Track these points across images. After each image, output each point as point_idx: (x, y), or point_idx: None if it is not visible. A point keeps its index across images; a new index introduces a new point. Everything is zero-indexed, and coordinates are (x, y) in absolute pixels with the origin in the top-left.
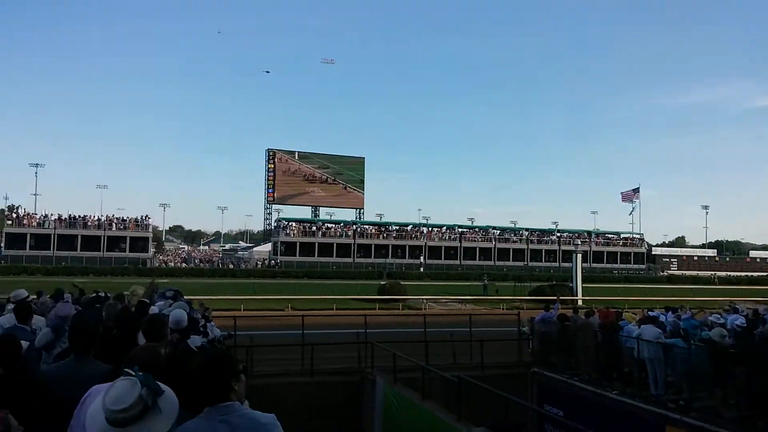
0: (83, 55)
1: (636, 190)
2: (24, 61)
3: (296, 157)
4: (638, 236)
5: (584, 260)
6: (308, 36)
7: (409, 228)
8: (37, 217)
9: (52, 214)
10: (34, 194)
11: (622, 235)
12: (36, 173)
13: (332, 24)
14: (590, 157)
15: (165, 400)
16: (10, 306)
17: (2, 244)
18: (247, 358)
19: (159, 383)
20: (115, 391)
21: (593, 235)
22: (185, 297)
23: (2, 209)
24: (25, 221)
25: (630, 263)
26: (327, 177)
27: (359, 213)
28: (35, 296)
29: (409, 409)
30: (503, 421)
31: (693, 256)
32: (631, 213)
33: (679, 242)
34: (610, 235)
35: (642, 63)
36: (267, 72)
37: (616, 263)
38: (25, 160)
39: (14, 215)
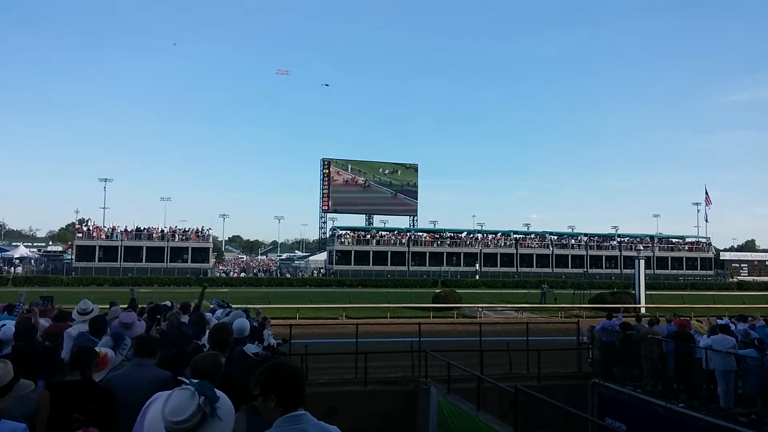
0: (144, 74)
1: (705, 192)
2: (92, 82)
3: (350, 166)
4: (705, 240)
5: (647, 266)
6: (359, 45)
7: (463, 235)
8: (106, 230)
9: (118, 227)
10: (103, 208)
11: (688, 240)
12: (105, 187)
13: (380, 32)
14: (651, 156)
15: (222, 406)
16: (78, 316)
17: (73, 257)
18: (302, 367)
19: (215, 389)
20: (173, 402)
21: (656, 240)
22: (246, 306)
23: (73, 222)
24: (94, 234)
25: (696, 269)
26: (380, 184)
27: (413, 220)
28: (107, 306)
29: (464, 420)
30: None
31: (765, 260)
32: (706, 220)
33: (749, 246)
34: (674, 240)
35: (705, 56)
36: (326, 85)
37: (682, 269)
38: (95, 175)
39: (85, 228)
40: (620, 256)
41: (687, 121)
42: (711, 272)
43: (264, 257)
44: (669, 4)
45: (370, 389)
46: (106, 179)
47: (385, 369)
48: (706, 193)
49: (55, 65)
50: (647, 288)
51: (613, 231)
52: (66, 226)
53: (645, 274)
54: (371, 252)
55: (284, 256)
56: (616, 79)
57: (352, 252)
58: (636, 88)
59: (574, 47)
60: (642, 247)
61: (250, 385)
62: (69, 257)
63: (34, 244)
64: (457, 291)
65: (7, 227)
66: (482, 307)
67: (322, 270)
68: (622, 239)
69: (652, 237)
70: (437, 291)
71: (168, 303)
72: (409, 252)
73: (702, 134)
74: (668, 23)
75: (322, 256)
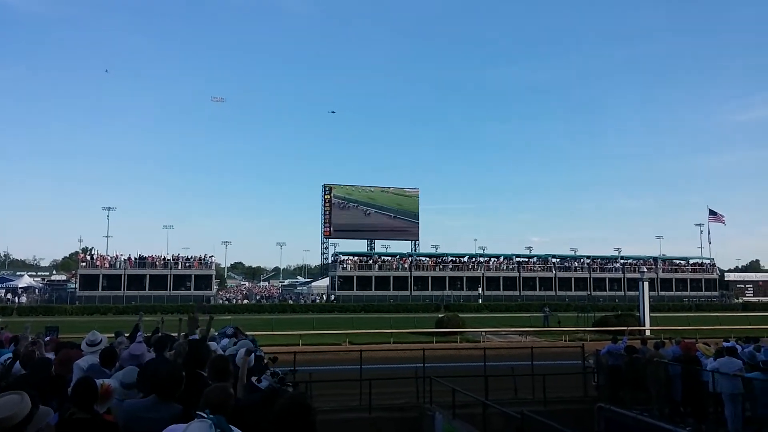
0: (145, 102)
1: (712, 213)
2: (92, 109)
3: (352, 191)
4: (709, 261)
5: (651, 288)
6: (359, 69)
7: (465, 259)
8: (109, 258)
9: (122, 255)
10: (106, 236)
11: (691, 261)
12: (108, 216)
13: (381, 57)
14: (653, 177)
15: None
16: (87, 348)
17: (77, 286)
18: (306, 394)
19: (231, 426)
20: None
21: (660, 262)
22: (247, 333)
23: (77, 251)
24: (97, 263)
25: (701, 290)
26: (382, 209)
27: (415, 245)
28: (112, 335)
29: None
30: None
31: None
32: (709, 241)
33: (754, 266)
34: (678, 261)
35: (708, 74)
36: (332, 112)
37: (686, 291)
38: (98, 204)
39: (88, 257)
40: (624, 278)
41: (689, 141)
42: (716, 293)
43: (266, 284)
44: (672, 23)
45: (375, 416)
46: (109, 208)
47: (389, 395)
48: (712, 212)
49: (54, 93)
50: (652, 310)
51: (616, 253)
52: (69, 254)
53: (649, 296)
54: (373, 277)
55: (286, 282)
56: (616, 99)
57: (355, 277)
58: (637, 107)
59: (573, 67)
60: (646, 269)
61: (259, 418)
62: (73, 286)
63: (38, 273)
64: (460, 315)
65: (11, 257)
66: (486, 332)
67: (324, 296)
68: (626, 261)
69: (655, 259)
70: (440, 315)
71: (173, 334)
72: (411, 277)
73: (705, 154)
74: (671, 43)
75: (325, 282)
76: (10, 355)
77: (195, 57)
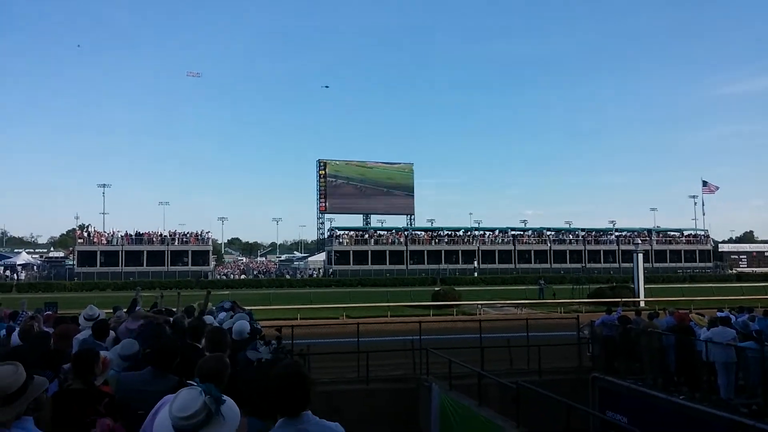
0: (140, 78)
1: (705, 184)
2: (87, 86)
3: (347, 166)
4: (703, 233)
5: (646, 260)
6: (352, 43)
7: (461, 233)
8: (106, 235)
9: (119, 232)
10: (103, 213)
11: (686, 233)
12: (103, 193)
13: (374, 30)
14: (647, 151)
15: (227, 408)
16: (85, 322)
17: (75, 262)
18: (302, 363)
19: (221, 393)
20: (180, 400)
21: (654, 233)
22: (245, 308)
23: (74, 228)
24: (94, 239)
25: (695, 262)
26: (377, 185)
27: (410, 219)
28: (111, 311)
29: (466, 416)
30: (564, 429)
31: (763, 251)
32: (703, 213)
33: (748, 237)
34: (672, 233)
35: (703, 48)
36: (326, 87)
37: (680, 262)
38: (94, 181)
39: (85, 234)
40: (618, 250)
41: (682, 114)
42: (710, 264)
43: (263, 259)
44: None
45: (373, 387)
46: (104, 185)
47: (386, 367)
48: (705, 184)
49: (50, 70)
50: (646, 281)
51: (610, 226)
52: (67, 232)
53: (643, 267)
54: (369, 252)
55: (283, 257)
56: (611, 74)
57: (351, 252)
58: (630, 82)
59: (567, 43)
60: (640, 241)
61: (254, 387)
62: (71, 263)
63: (36, 250)
64: (456, 288)
65: (8, 234)
66: (481, 304)
67: (321, 270)
68: (620, 234)
69: (649, 231)
70: (436, 289)
71: (173, 309)
72: (407, 251)
73: (697, 127)
74: (661, 17)
75: (321, 257)
76: (15, 326)
77: (191, 30)
